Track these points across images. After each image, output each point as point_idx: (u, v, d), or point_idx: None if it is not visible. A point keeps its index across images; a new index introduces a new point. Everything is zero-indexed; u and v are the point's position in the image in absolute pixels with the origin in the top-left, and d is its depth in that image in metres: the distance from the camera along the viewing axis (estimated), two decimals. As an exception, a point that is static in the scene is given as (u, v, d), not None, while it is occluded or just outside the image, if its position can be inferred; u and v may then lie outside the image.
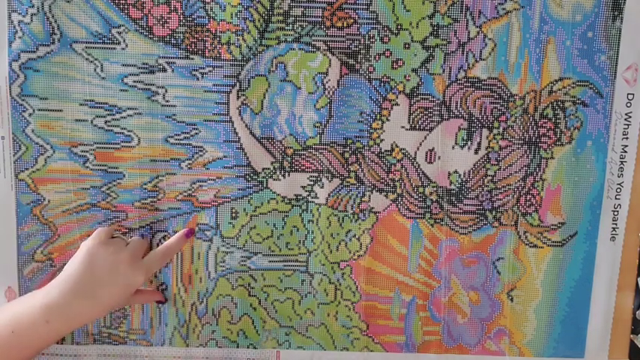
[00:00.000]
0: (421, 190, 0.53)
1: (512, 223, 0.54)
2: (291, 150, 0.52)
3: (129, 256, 0.48)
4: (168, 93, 0.51)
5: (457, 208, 0.53)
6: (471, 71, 0.51)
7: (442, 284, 0.55)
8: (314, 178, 0.53)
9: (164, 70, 0.51)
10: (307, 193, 0.53)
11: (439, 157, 0.53)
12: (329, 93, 0.51)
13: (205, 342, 0.56)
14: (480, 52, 0.51)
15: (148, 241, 0.53)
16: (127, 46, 0.50)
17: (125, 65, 0.50)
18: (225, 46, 0.50)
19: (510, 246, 0.54)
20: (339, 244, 0.54)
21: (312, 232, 0.54)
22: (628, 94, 0.52)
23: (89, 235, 0.52)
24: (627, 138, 0.52)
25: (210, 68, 0.51)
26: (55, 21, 0.49)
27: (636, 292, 0.55)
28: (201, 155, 0.52)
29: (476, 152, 0.53)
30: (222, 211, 0.53)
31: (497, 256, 0.54)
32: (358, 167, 0.53)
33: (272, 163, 0.53)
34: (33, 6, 0.49)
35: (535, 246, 0.54)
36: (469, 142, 0.52)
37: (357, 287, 0.55)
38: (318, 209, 0.53)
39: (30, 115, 0.51)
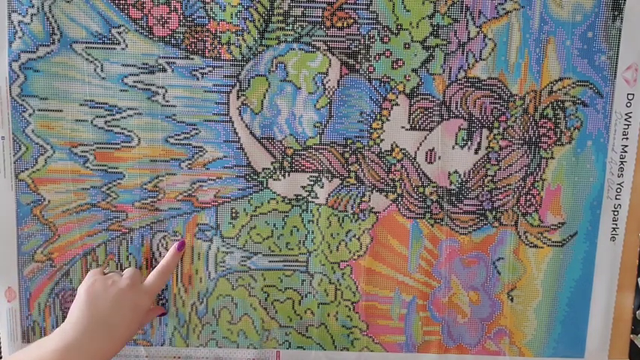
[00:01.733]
0: (421, 190, 0.53)
1: (513, 223, 0.54)
2: (291, 150, 0.52)
3: (129, 283, 0.47)
4: (169, 93, 0.51)
5: (457, 208, 0.53)
6: (471, 71, 0.51)
7: (442, 284, 0.55)
8: (314, 178, 0.53)
9: (164, 70, 0.51)
10: (307, 193, 0.53)
11: (439, 157, 0.53)
12: (329, 93, 0.51)
13: (205, 342, 0.56)
14: (480, 52, 0.51)
15: (142, 270, 0.53)
16: (127, 46, 0.50)
17: (125, 65, 0.50)
18: (225, 46, 0.50)
19: (510, 246, 0.54)
20: (339, 244, 0.54)
21: (312, 232, 0.54)
22: (628, 94, 0.52)
23: (89, 235, 0.53)
24: (627, 138, 0.52)
25: (210, 68, 0.51)
26: (55, 21, 0.49)
27: (636, 292, 0.55)
28: (201, 155, 0.52)
29: (476, 152, 0.53)
30: (222, 211, 0.53)
31: (498, 256, 0.54)
32: (358, 167, 0.53)
33: (272, 163, 0.53)
34: (33, 6, 0.49)
35: (535, 246, 0.54)
36: (469, 142, 0.52)
37: (357, 287, 0.55)
38: (318, 209, 0.53)
39: (30, 115, 0.51)
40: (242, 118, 0.52)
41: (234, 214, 0.53)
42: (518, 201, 0.53)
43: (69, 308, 0.51)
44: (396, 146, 0.52)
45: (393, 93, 0.51)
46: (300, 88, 0.51)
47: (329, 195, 0.53)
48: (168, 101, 0.51)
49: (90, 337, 0.44)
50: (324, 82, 0.51)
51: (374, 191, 0.53)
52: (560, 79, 0.51)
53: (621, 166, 0.53)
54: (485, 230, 0.54)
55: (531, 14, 0.50)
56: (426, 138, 0.52)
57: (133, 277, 0.48)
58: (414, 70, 0.51)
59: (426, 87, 0.51)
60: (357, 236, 0.54)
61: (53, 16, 0.49)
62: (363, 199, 0.53)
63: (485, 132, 0.52)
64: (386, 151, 0.52)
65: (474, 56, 0.51)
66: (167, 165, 0.52)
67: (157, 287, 0.49)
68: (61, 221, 0.53)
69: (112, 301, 0.46)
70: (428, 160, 0.53)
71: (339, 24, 0.50)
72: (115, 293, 0.46)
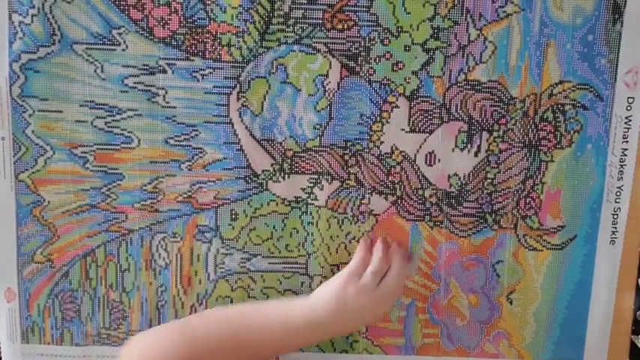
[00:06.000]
0: (421, 192, 0.53)
1: (512, 226, 0.54)
2: (291, 152, 0.52)
3: (375, 294, 0.49)
4: (169, 94, 0.51)
5: (457, 210, 0.53)
6: (472, 74, 0.51)
7: (441, 287, 0.55)
8: (314, 180, 0.53)
9: (164, 71, 0.51)
10: (307, 195, 0.53)
11: (439, 160, 0.53)
12: (329, 95, 0.51)
13: (204, 343, 0.55)
14: (481, 54, 0.51)
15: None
16: (127, 47, 0.50)
17: (125, 66, 0.50)
18: (225, 47, 0.50)
19: (510, 249, 0.54)
20: (339, 246, 0.54)
21: (312, 234, 0.54)
22: (628, 97, 0.52)
23: (89, 236, 0.53)
24: (627, 141, 0.52)
25: (211, 70, 0.51)
26: (56, 22, 0.49)
27: (636, 294, 0.55)
28: (201, 157, 0.52)
29: (476, 155, 0.52)
30: (221, 213, 0.53)
31: (497, 258, 0.54)
32: (358, 169, 0.53)
33: (272, 164, 0.52)
34: (33, 7, 0.49)
35: (534, 249, 0.54)
36: (469, 145, 0.52)
37: (356, 289, 0.55)
38: (317, 211, 0.53)
39: (30, 116, 0.51)
40: (242, 120, 0.52)
41: (233, 216, 0.53)
42: (517, 204, 0.53)
43: (68, 309, 0.51)
44: (396, 149, 0.52)
45: (393, 95, 0.51)
46: (300, 90, 0.51)
47: (329, 197, 0.53)
48: (169, 102, 0.51)
49: (338, 321, 0.48)
50: (325, 84, 0.51)
51: (373, 193, 0.53)
52: (561, 82, 0.51)
53: (621, 169, 0.53)
54: (485, 233, 0.54)
55: (532, 17, 0.50)
56: (425, 140, 0.52)
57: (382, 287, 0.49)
58: (414, 73, 0.51)
59: (426, 89, 0.51)
60: (356, 238, 0.54)
61: (54, 17, 0.49)
62: (362, 202, 0.53)
63: (485, 135, 0.52)
64: (386, 153, 0.52)
65: (474, 59, 0.51)
66: (167, 166, 0.52)
67: (397, 294, 0.52)
68: (61, 222, 0.53)
69: (362, 306, 0.48)
70: (428, 163, 0.53)
71: (340, 26, 0.50)
72: (364, 302, 0.48)
